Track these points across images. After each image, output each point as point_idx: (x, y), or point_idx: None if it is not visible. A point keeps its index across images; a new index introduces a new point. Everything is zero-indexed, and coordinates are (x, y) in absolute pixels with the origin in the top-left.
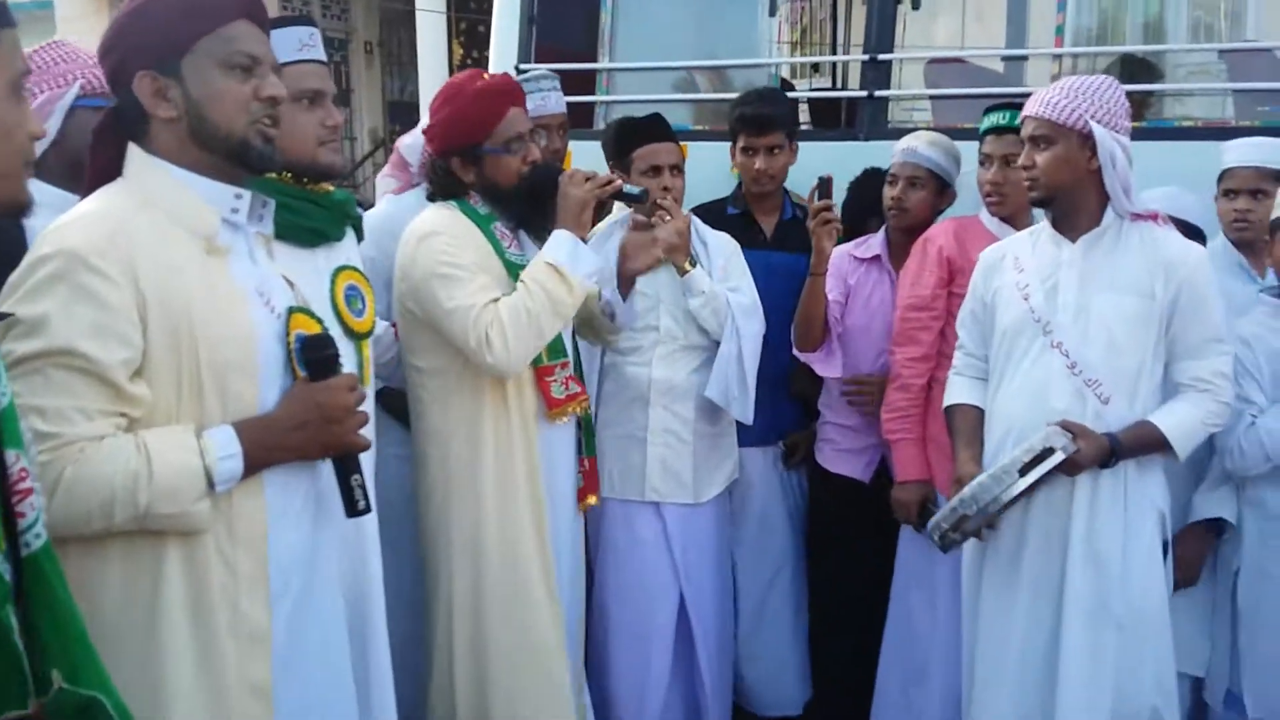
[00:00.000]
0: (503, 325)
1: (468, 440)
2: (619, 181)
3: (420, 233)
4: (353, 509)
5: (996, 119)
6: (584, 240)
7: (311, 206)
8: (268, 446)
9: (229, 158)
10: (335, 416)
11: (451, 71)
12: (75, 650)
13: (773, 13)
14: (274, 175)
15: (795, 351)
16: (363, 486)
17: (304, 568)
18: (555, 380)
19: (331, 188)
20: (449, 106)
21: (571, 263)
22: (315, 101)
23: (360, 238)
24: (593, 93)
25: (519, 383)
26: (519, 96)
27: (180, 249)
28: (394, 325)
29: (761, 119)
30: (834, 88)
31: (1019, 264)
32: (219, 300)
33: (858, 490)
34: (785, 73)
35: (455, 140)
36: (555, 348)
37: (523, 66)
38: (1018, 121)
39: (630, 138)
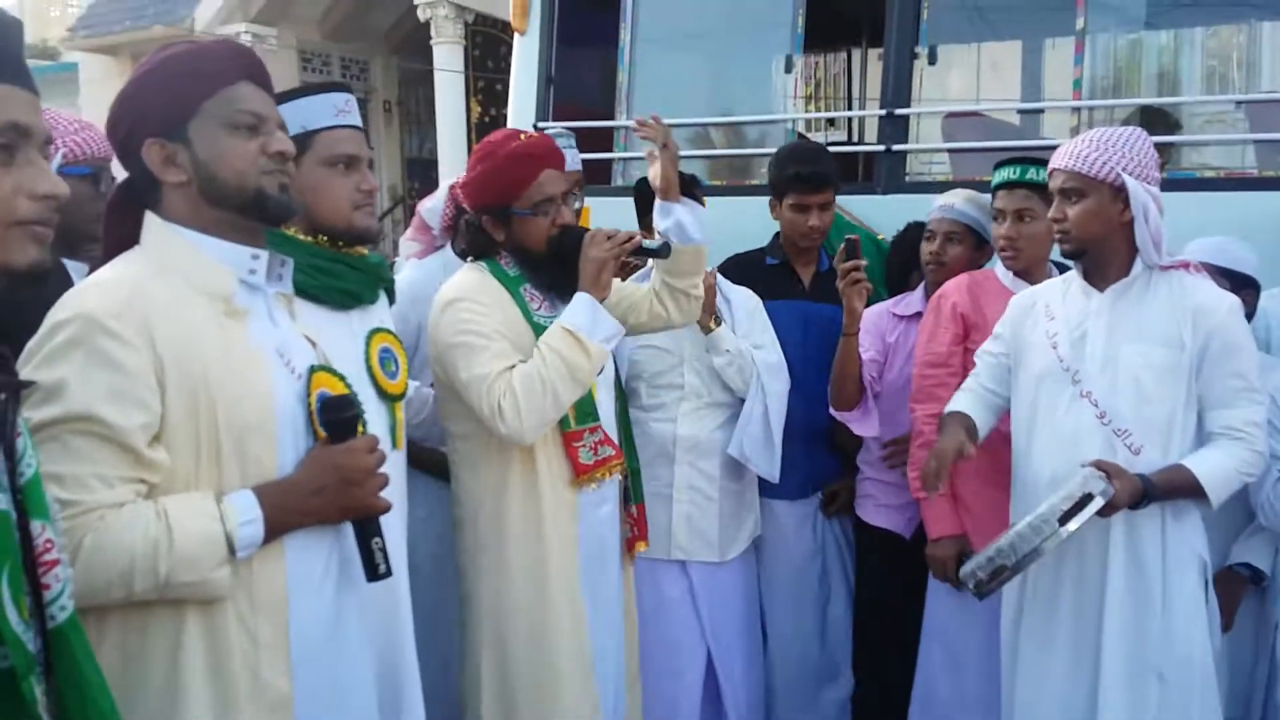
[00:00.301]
0: (515, 394)
1: (494, 505)
2: (639, 238)
3: (446, 299)
4: (373, 573)
5: (1007, 174)
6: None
7: (345, 269)
8: (287, 510)
9: (245, 212)
10: (354, 479)
11: (470, 129)
12: None
13: (789, 69)
14: (310, 239)
15: (831, 411)
16: (383, 550)
17: (327, 634)
18: (583, 445)
19: (365, 251)
20: (482, 165)
21: (590, 328)
22: (350, 166)
23: (392, 301)
24: (610, 150)
25: (548, 447)
26: (554, 159)
27: (198, 312)
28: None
29: (816, 178)
30: (850, 141)
31: (1050, 312)
32: (236, 362)
33: (896, 543)
34: (801, 127)
35: (486, 199)
36: (584, 411)
37: (541, 125)
38: (1028, 176)
39: (650, 195)
